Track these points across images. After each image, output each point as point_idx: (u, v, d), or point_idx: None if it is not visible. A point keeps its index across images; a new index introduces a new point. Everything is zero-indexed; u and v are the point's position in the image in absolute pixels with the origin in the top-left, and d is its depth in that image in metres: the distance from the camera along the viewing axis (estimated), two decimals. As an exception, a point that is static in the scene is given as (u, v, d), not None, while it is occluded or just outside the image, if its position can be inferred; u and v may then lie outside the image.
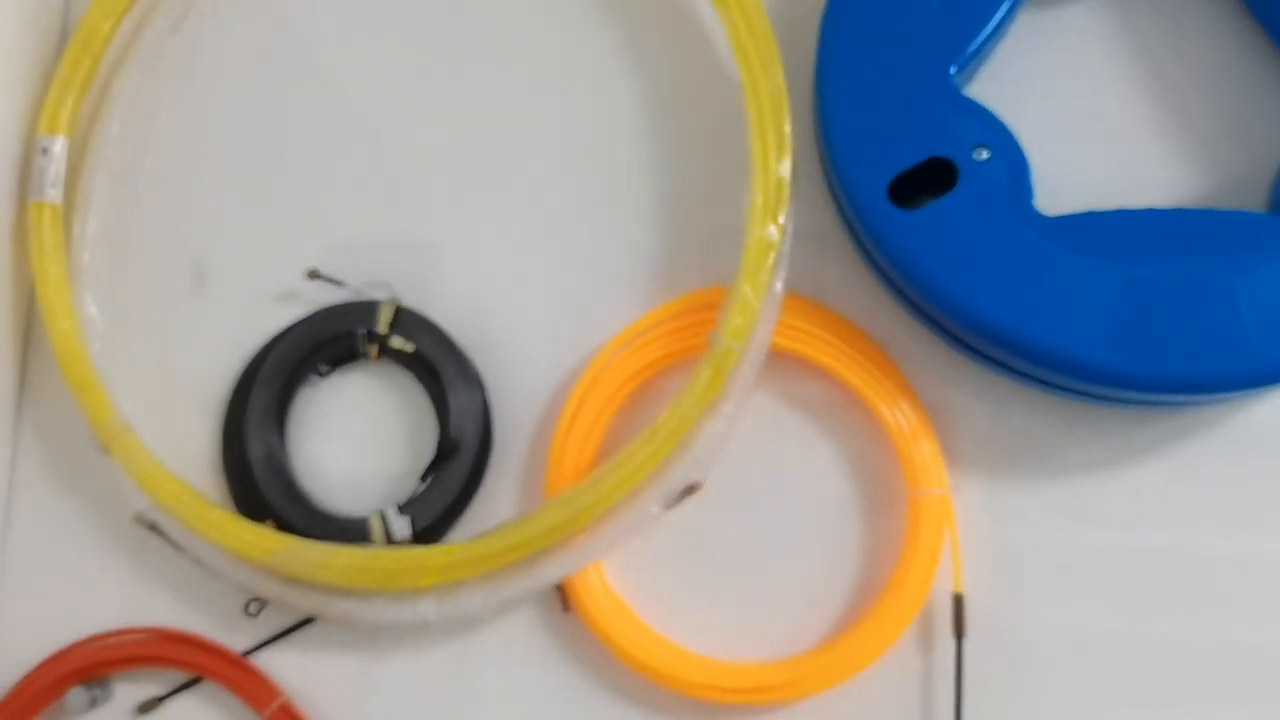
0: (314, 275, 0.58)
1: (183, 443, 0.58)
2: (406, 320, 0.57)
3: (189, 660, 0.56)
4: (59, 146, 0.58)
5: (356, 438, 0.58)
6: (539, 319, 0.58)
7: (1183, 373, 0.49)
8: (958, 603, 0.52)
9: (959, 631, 0.52)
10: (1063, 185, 0.52)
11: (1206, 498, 0.54)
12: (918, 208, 0.51)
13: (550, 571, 0.53)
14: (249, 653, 0.56)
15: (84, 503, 0.58)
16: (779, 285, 0.53)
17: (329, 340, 0.57)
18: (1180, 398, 0.52)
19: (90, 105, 0.60)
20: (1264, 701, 0.53)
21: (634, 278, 0.58)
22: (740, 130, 0.54)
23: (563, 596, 0.54)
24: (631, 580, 0.55)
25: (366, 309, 0.57)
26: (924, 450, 0.53)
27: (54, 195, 0.58)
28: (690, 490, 0.53)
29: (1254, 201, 0.53)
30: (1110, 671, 0.53)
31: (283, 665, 0.56)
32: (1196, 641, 0.53)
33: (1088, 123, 0.56)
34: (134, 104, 0.61)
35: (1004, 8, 0.53)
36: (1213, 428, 0.54)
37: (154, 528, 0.55)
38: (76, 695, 0.56)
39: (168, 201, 0.61)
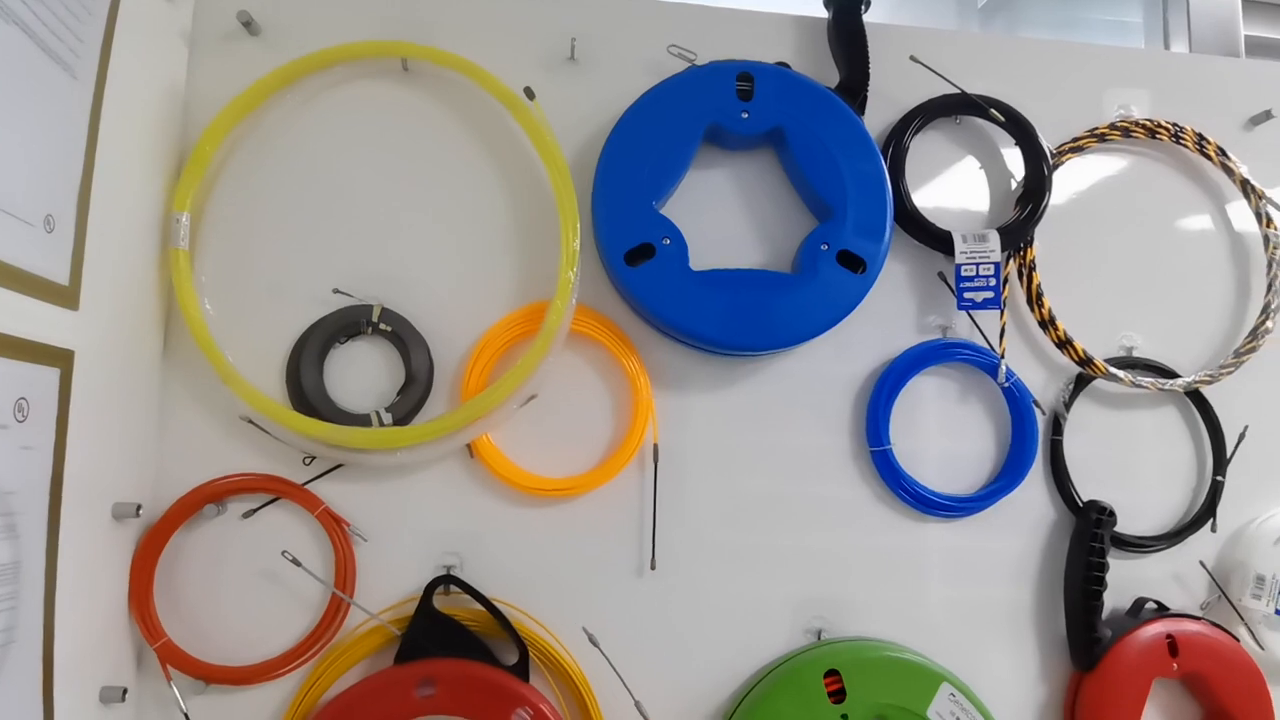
0: (336, 290, 1.04)
1: (266, 378, 1.02)
2: (387, 315, 1.03)
3: (272, 488, 1.01)
4: (185, 218, 1.01)
5: (361, 373, 1.04)
6: (457, 312, 1.05)
7: (752, 342, 1.05)
8: (655, 449, 1.07)
9: (655, 461, 1.07)
10: (703, 256, 1.06)
11: (760, 404, 1.10)
12: (637, 266, 1.03)
13: (465, 437, 1.01)
14: (305, 484, 1.02)
15: (212, 410, 1.02)
16: (574, 300, 1.02)
17: (345, 325, 1.03)
18: (751, 353, 1.09)
19: (202, 192, 1.03)
20: (796, 528, 1.08)
21: (504, 292, 1.07)
22: (556, 219, 1.04)
23: (470, 449, 1.05)
24: (504, 439, 1.05)
25: (365, 309, 1.03)
26: (642, 380, 1.06)
27: (184, 244, 1.00)
28: (532, 398, 1.04)
29: (789, 265, 1.11)
30: (721, 486, 1.09)
31: (325, 490, 1.02)
32: (764, 484, 1.09)
33: (718, 224, 1.10)
34: (226, 192, 1.04)
35: (678, 176, 1.07)
36: (765, 367, 1.11)
37: (251, 421, 1.01)
38: (210, 509, 1.00)
39: (250, 248, 1.04)
